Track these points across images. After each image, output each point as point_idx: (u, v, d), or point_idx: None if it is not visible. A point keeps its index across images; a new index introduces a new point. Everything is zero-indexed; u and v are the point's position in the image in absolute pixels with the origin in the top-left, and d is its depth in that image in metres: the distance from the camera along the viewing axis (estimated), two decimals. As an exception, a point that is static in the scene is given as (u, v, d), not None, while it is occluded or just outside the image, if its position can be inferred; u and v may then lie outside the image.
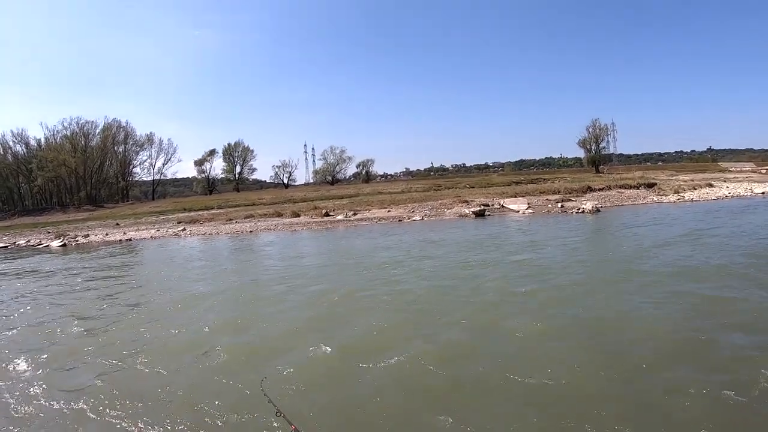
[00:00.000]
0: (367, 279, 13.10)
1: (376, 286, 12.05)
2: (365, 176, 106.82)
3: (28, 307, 12.98)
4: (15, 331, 10.69)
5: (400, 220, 29.05)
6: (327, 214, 33.55)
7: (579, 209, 28.26)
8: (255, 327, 9.41)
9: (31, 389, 7.10)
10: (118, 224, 44.58)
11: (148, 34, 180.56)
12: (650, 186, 39.21)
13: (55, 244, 34.08)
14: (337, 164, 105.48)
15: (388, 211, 33.06)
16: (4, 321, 11.77)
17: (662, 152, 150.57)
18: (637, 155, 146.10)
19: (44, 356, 8.62)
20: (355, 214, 32.62)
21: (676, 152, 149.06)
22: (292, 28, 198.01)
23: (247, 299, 12.00)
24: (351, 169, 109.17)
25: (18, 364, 8.33)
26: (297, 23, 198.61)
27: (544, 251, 15.34)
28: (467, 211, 29.62)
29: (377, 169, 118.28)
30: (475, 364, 6.77)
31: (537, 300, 9.90)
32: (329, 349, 7.62)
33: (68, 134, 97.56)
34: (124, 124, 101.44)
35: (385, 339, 8.08)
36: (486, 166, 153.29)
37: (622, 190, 37.65)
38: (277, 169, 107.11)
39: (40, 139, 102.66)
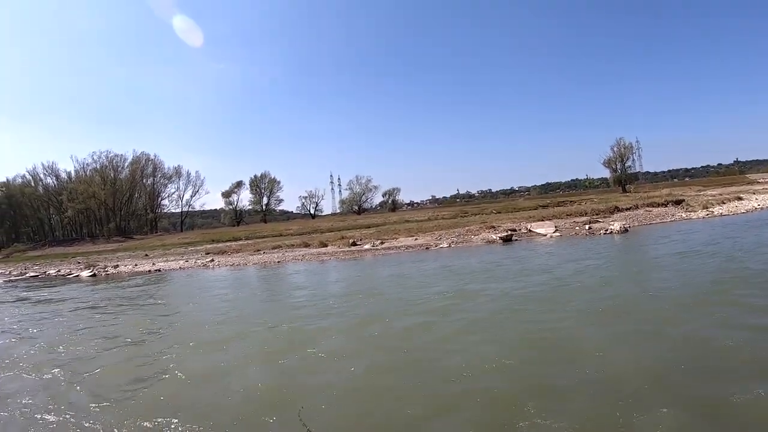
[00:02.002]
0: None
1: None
2: (392, 205, 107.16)
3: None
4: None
5: (427, 248, 28.96)
6: (354, 244, 33.62)
7: (607, 230, 27.84)
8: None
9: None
10: (147, 255, 45.34)
11: (174, 69, 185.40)
12: (678, 203, 38.53)
13: (85, 274, 34.89)
14: (363, 194, 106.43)
15: (415, 239, 32.98)
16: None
17: (689, 167, 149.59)
18: (664, 172, 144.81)
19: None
20: (382, 243, 32.63)
21: (702, 167, 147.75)
22: (314, 59, 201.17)
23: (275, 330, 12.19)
24: (377, 198, 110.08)
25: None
26: (319, 54, 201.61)
27: (531, 279, 15.04)
28: (494, 237, 29.40)
29: (403, 197, 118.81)
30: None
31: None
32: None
33: (98, 167, 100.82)
34: (153, 157, 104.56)
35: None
36: (512, 191, 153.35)
37: (650, 209, 37.07)
38: (303, 200, 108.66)
39: (70, 172, 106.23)
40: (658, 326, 8.87)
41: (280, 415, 6.55)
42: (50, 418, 7.24)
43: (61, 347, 11.92)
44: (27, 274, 41.88)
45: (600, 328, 9.21)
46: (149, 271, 32.87)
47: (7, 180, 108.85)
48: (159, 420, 6.75)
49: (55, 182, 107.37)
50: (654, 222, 31.31)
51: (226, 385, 8.01)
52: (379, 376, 7.74)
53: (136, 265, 37.49)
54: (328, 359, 8.87)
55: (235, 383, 8.09)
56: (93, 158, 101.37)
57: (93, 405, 7.61)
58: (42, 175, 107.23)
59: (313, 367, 8.53)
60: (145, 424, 6.67)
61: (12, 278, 40.33)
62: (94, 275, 33.95)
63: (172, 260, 37.93)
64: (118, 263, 39.72)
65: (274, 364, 8.99)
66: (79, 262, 45.52)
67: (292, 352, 9.55)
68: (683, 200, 39.59)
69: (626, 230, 27.61)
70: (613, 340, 8.39)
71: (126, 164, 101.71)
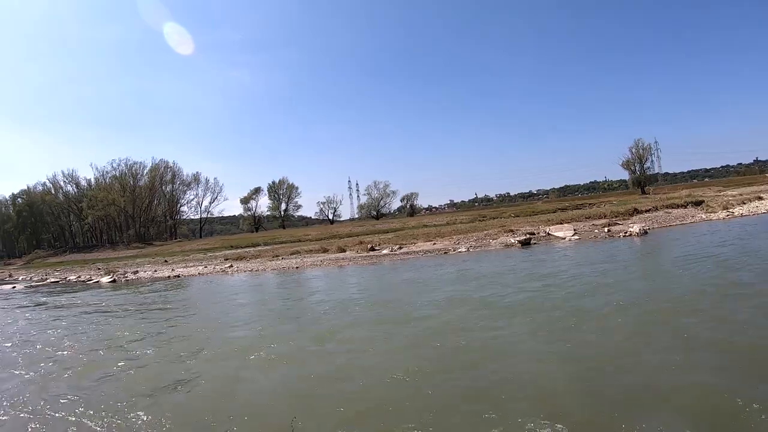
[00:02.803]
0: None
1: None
2: (410, 210, 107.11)
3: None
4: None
5: (445, 253, 28.80)
6: (372, 249, 33.52)
7: (626, 233, 27.44)
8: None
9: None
10: (166, 261, 45.85)
11: (190, 77, 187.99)
12: (698, 204, 37.90)
13: (105, 279, 35.45)
14: (382, 199, 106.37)
15: (434, 243, 32.83)
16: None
17: (708, 168, 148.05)
18: (683, 173, 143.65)
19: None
20: (400, 248, 32.53)
21: (722, 167, 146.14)
22: (331, 64, 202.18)
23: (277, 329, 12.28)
24: (395, 203, 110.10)
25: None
26: (335, 60, 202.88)
27: (539, 284, 14.72)
28: (513, 241, 29.15)
29: (422, 202, 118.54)
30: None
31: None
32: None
33: (117, 174, 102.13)
34: (171, 165, 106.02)
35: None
36: (530, 194, 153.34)
37: (670, 210, 36.52)
38: (322, 206, 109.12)
39: (90, 179, 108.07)
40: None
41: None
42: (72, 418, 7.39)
43: (85, 351, 12.15)
44: (48, 280, 42.62)
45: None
46: (169, 277, 33.18)
47: (28, 188, 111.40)
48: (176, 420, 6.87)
49: (75, 190, 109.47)
50: (673, 224, 30.81)
51: (236, 393, 8.10)
52: (381, 389, 7.64)
53: (155, 271, 37.90)
54: (338, 369, 8.84)
55: (243, 390, 8.19)
56: (112, 166, 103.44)
57: (116, 405, 7.73)
58: (62, 183, 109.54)
59: (329, 375, 8.51)
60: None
61: (33, 284, 41.06)
62: (114, 281, 34.43)
63: (192, 266, 38.30)
64: (138, 269, 40.17)
65: (282, 371, 9.03)
66: (99, 268, 46.15)
67: (296, 361, 9.63)
68: (703, 201, 39.00)
69: (646, 232, 27.23)
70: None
71: (145, 171, 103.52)
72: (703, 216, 32.57)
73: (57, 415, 7.65)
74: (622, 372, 7.10)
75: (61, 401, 8.28)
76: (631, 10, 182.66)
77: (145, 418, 7.11)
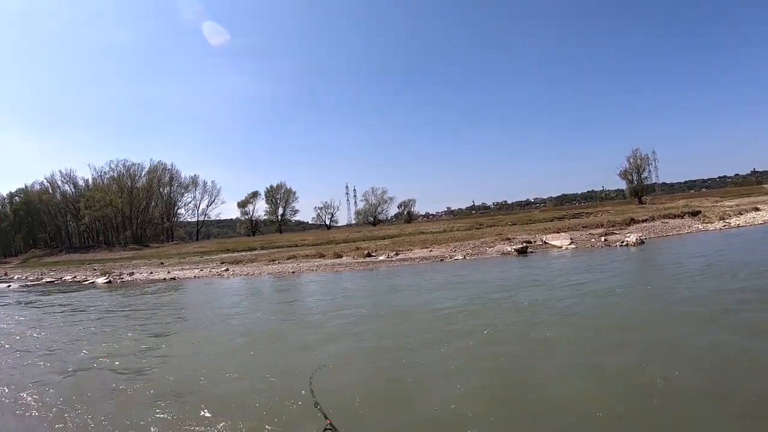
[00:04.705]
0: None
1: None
2: (407, 216, 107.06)
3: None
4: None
5: (441, 260, 28.91)
6: (369, 255, 33.69)
7: (623, 242, 27.65)
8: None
9: None
10: (162, 263, 45.88)
11: (192, 82, 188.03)
12: (695, 214, 38.13)
13: (101, 280, 35.63)
14: (379, 205, 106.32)
15: (430, 251, 32.92)
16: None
17: (705, 178, 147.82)
18: (680, 183, 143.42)
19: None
20: (397, 255, 32.66)
21: (719, 177, 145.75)
22: (330, 71, 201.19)
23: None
24: (393, 210, 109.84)
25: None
26: (334, 67, 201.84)
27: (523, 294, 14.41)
28: (509, 249, 29.27)
29: (419, 209, 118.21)
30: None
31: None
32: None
33: (115, 175, 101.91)
34: (170, 167, 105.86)
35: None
36: (528, 203, 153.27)
37: (667, 220, 36.69)
38: (319, 211, 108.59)
39: (87, 180, 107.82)
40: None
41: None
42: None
43: (83, 351, 12.36)
44: (43, 280, 42.71)
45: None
46: (164, 279, 33.31)
47: (26, 186, 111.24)
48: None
49: (73, 190, 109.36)
50: (670, 234, 31.03)
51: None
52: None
53: (151, 273, 37.97)
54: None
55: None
56: (110, 167, 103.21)
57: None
58: (60, 183, 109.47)
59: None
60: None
61: (28, 283, 41.08)
62: (109, 282, 34.52)
63: (188, 269, 38.43)
64: (134, 271, 40.20)
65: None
66: (94, 269, 46.15)
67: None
68: (700, 211, 39.20)
69: (642, 242, 27.41)
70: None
71: (143, 173, 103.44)
72: (700, 226, 32.81)
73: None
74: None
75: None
76: (629, 21, 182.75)
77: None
